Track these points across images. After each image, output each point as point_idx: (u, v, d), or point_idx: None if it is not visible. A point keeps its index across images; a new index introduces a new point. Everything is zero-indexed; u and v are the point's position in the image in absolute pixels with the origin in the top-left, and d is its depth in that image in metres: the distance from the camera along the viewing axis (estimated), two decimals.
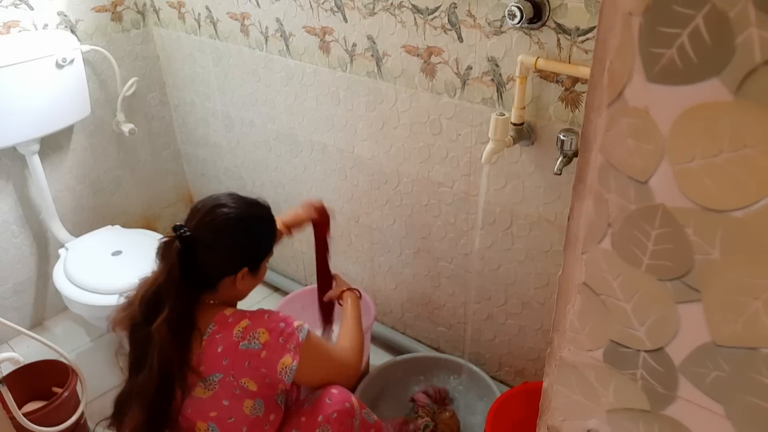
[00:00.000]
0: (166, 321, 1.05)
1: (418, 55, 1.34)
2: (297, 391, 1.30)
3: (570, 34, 1.09)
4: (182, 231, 1.08)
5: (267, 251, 1.18)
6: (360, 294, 1.44)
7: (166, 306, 1.06)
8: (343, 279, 1.50)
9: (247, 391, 1.08)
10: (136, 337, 1.12)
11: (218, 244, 1.10)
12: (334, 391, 1.21)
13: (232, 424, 1.10)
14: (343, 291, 1.42)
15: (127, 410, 1.12)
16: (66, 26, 1.82)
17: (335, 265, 1.93)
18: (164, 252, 1.09)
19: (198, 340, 1.08)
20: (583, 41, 1.08)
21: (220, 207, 1.11)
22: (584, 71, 1.07)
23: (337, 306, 1.49)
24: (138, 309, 1.11)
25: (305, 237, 1.97)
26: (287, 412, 1.21)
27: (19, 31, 1.73)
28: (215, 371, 1.07)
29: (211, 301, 1.14)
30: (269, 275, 2.11)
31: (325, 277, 1.50)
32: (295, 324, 1.11)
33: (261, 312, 1.11)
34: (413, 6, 1.29)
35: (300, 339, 1.10)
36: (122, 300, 1.16)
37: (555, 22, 1.09)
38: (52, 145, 1.88)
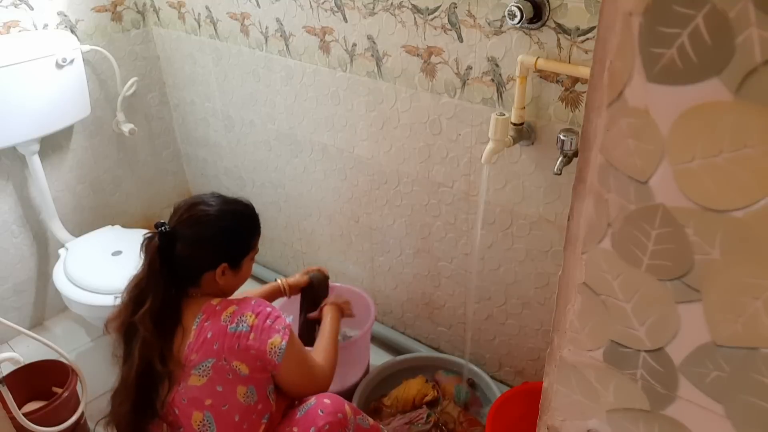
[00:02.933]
0: (149, 311, 1.10)
1: (418, 55, 1.34)
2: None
3: (570, 34, 1.09)
4: (163, 227, 1.12)
5: (247, 249, 1.20)
6: (343, 311, 1.45)
7: (148, 298, 1.11)
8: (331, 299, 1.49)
9: (239, 377, 1.10)
10: (126, 334, 1.15)
11: (196, 239, 1.14)
12: (327, 401, 1.21)
13: (226, 412, 1.11)
14: (324, 305, 1.44)
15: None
16: (66, 26, 1.82)
17: (334, 266, 1.93)
18: (146, 247, 1.14)
19: (181, 335, 1.11)
20: (583, 41, 1.08)
21: (199, 204, 1.16)
22: (584, 71, 1.07)
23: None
24: (125, 307, 1.15)
25: (304, 237, 1.97)
26: (280, 421, 1.21)
27: (19, 31, 1.73)
28: (207, 357, 1.08)
29: (197, 295, 1.17)
30: (269, 275, 2.11)
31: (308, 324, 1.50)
32: (279, 312, 1.16)
33: (247, 299, 1.15)
34: (413, 6, 1.29)
35: (287, 321, 1.14)
36: (117, 301, 1.19)
37: (555, 22, 1.09)
38: (52, 145, 1.88)
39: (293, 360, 1.14)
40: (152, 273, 1.12)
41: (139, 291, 1.13)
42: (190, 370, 1.09)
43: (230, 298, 1.18)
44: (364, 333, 1.60)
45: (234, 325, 1.09)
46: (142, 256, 1.14)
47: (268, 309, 1.13)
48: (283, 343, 1.11)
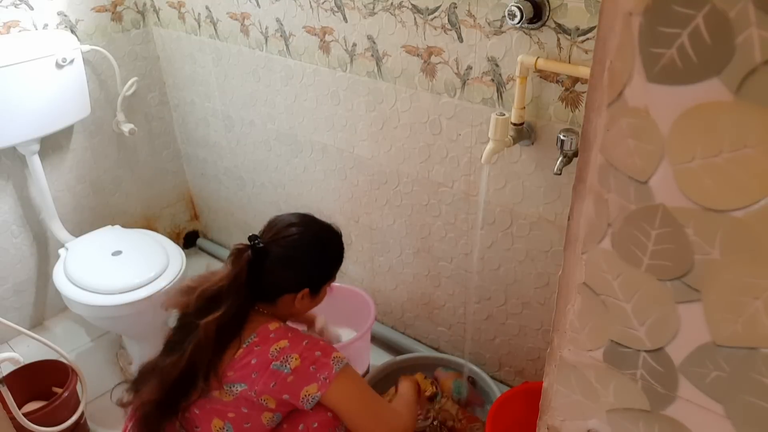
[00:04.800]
0: (217, 321, 1.08)
1: (418, 55, 1.34)
2: None
3: (570, 34, 1.09)
4: (256, 242, 1.12)
5: (330, 276, 1.23)
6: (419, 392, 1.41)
7: (222, 306, 1.09)
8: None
9: (265, 407, 1.10)
10: (182, 322, 1.14)
11: (287, 262, 1.14)
12: None
13: (248, 429, 1.11)
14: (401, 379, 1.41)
15: (146, 383, 1.13)
16: (66, 26, 1.82)
17: None
18: (236, 258, 1.12)
19: (235, 348, 1.10)
20: (583, 41, 1.08)
21: (295, 225, 1.16)
22: (584, 71, 1.07)
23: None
24: (195, 299, 1.12)
25: None
26: None
27: (19, 31, 1.73)
28: (242, 380, 1.07)
29: (265, 311, 1.16)
30: None
31: None
32: (333, 355, 1.11)
33: (302, 336, 1.12)
34: (413, 6, 1.29)
35: (334, 370, 1.08)
36: (185, 283, 1.17)
37: (555, 22, 1.09)
38: (52, 145, 1.88)
39: (343, 399, 1.09)
40: (237, 284, 1.10)
41: (217, 293, 1.11)
42: (222, 383, 1.08)
43: (290, 324, 1.17)
44: (364, 333, 1.60)
45: (278, 363, 1.07)
46: (230, 265, 1.13)
47: (317, 353, 1.09)
48: (318, 394, 1.07)
